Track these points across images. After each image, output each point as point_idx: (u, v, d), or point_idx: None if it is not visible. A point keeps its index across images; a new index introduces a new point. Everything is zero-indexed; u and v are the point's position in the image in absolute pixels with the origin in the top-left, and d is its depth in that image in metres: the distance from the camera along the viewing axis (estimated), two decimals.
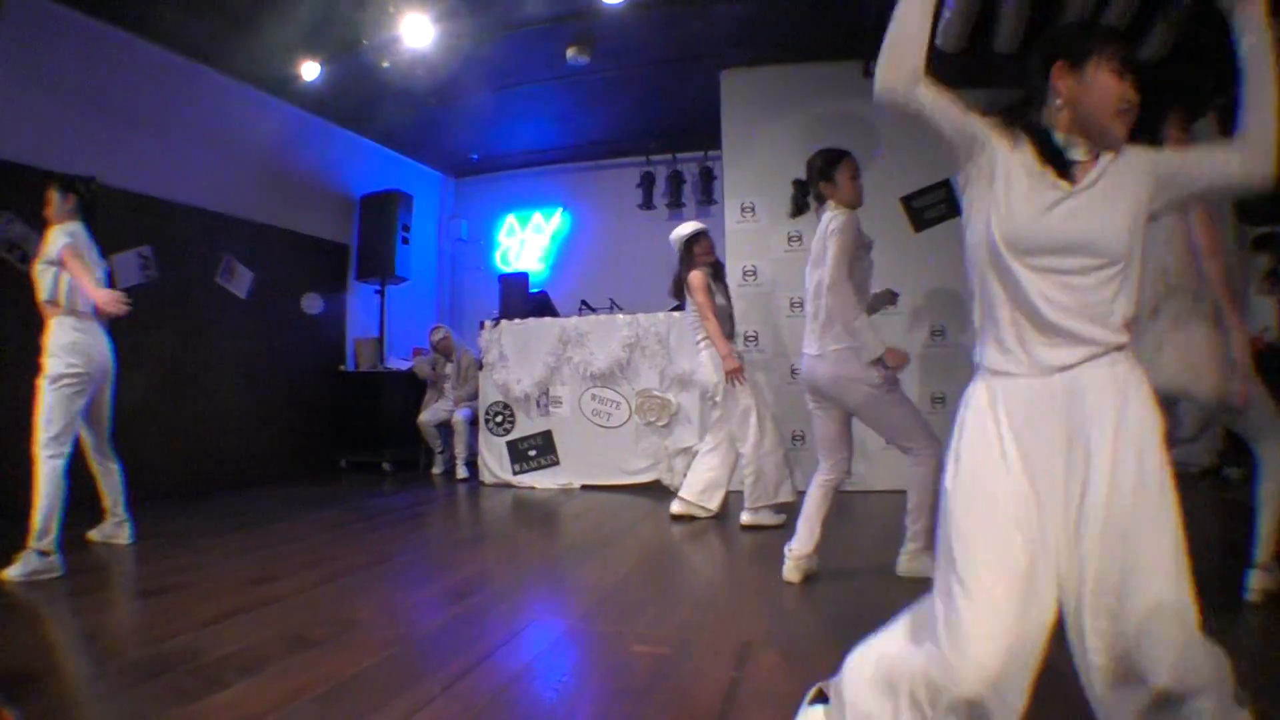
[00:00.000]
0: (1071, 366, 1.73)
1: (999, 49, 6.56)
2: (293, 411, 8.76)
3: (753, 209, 7.63)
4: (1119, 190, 1.77)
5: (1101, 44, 1.81)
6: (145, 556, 4.63)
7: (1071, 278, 1.73)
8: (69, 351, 4.46)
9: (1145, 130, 3.46)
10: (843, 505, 4.91)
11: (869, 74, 7.28)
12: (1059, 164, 1.79)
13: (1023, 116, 1.90)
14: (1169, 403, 3.44)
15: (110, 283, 4.86)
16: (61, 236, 4.52)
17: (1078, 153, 1.83)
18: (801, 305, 7.29)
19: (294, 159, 8.90)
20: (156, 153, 7.14)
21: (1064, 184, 1.76)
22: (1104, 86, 1.80)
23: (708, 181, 10.11)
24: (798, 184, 4.26)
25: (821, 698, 2.06)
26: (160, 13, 6.57)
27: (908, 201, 7.34)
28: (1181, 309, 3.28)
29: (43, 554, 4.17)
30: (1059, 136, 1.83)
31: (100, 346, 4.65)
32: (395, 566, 4.63)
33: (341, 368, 9.57)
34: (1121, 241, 1.73)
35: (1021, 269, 1.75)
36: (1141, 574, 1.62)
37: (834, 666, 2.71)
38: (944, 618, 1.67)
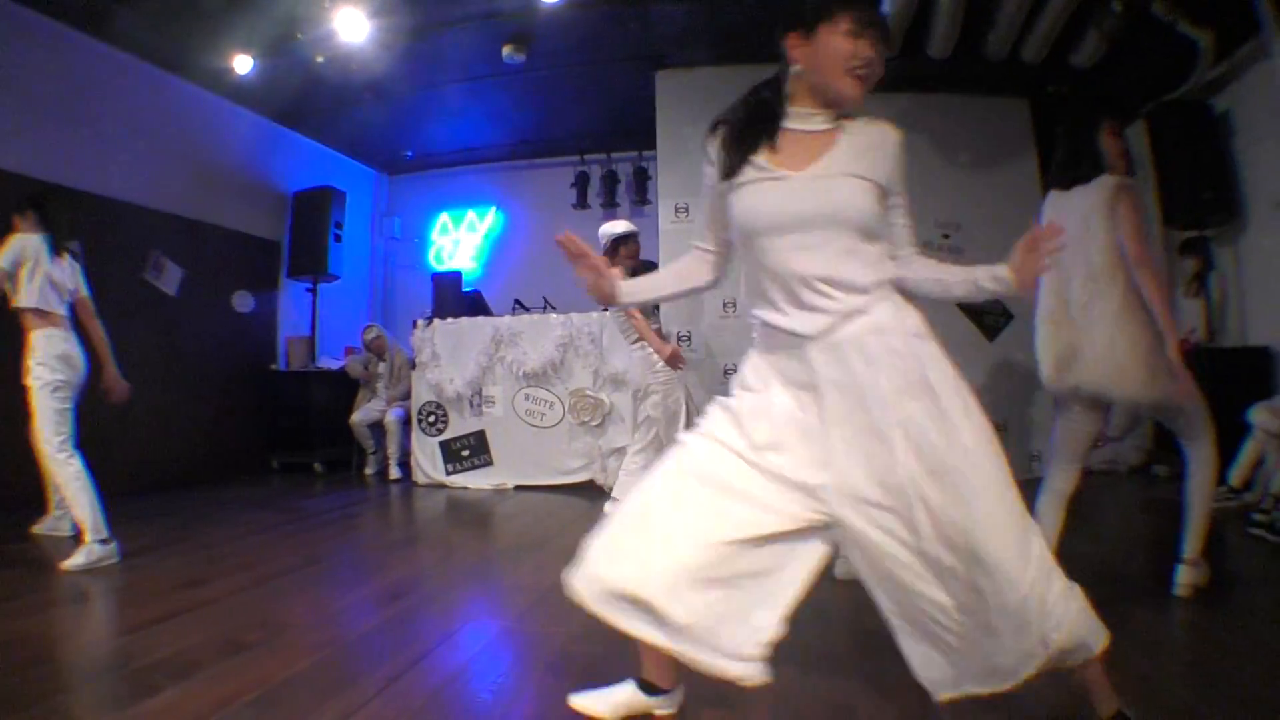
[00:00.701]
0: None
1: (933, 54, 6.70)
2: (223, 411, 8.61)
3: (686, 209, 7.70)
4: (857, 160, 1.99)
5: (830, 11, 1.97)
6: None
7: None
8: (62, 362, 4.67)
9: (1082, 139, 3.58)
10: None
11: None
12: (766, 131, 2.06)
13: (763, 96, 2.15)
14: (1101, 403, 3.54)
15: (88, 280, 5.07)
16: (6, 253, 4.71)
17: (816, 122, 2.05)
18: (735, 305, 7.42)
19: (226, 154, 8.74)
20: (83, 145, 6.97)
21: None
22: (834, 48, 1.96)
23: (642, 182, 10.15)
24: None
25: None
26: (91, 2, 6.42)
27: None
28: (1107, 310, 3.29)
29: (103, 542, 4.46)
30: (797, 108, 2.06)
31: (81, 354, 4.84)
32: (328, 568, 4.60)
33: (273, 367, 9.44)
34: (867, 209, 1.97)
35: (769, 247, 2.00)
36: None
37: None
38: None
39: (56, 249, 4.82)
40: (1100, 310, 3.31)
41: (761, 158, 2.03)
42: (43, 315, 4.66)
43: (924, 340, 1.96)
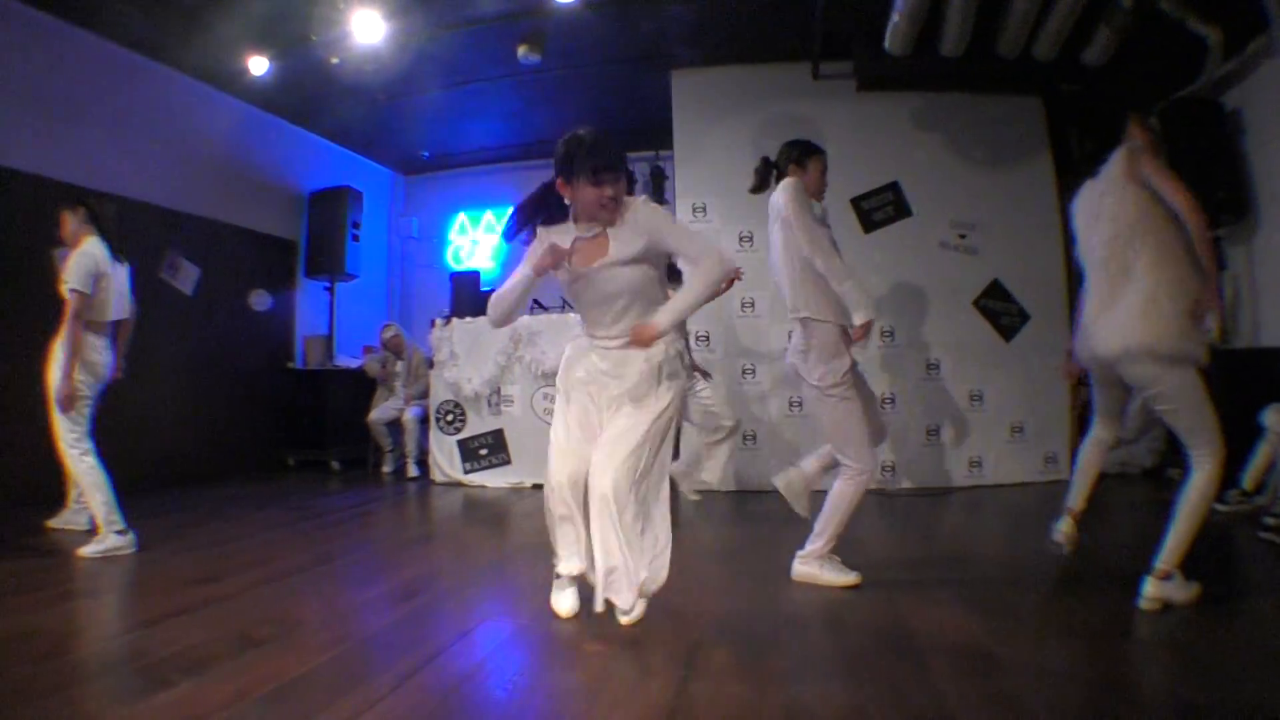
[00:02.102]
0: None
1: (945, 53, 6.65)
2: (239, 409, 8.65)
3: (704, 209, 7.64)
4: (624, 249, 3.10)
5: (579, 167, 3.01)
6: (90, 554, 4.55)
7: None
8: (87, 370, 4.70)
9: (1108, 135, 3.55)
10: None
11: (818, 76, 7.41)
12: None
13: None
14: (1121, 404, 3.55)
15: (133, 282, 5.16)
16: (74, 273, 4.66)
17: (594, 230, 3.15)
18: (754, 305, 7.38)
19: (243, 154, 8.78)
20: (102, 147, 7.01)
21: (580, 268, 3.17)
22: (585, 194, 3.05)
23: (659, 181, 10.08)
24: (765, 161, 4.16)
25: None
26: (106, 5, 6.45)
27: (857, 203, 7.40)
28: (1145, 265, 3.21)
29: (119, 533, 4.60)
30: (577, 226, 3.21)
31: (109, 362, 4.90)
32: (342, 566, 4.60)
33: (290, 365, 9.48)
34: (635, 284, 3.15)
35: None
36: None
37: (782, 667, 2.75)
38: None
39: (115, 254, 4.90)
40: (1140, 267, 3.23)
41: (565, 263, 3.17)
42: (93, 323, 4.74)
43: (654, 360, 3.14)
